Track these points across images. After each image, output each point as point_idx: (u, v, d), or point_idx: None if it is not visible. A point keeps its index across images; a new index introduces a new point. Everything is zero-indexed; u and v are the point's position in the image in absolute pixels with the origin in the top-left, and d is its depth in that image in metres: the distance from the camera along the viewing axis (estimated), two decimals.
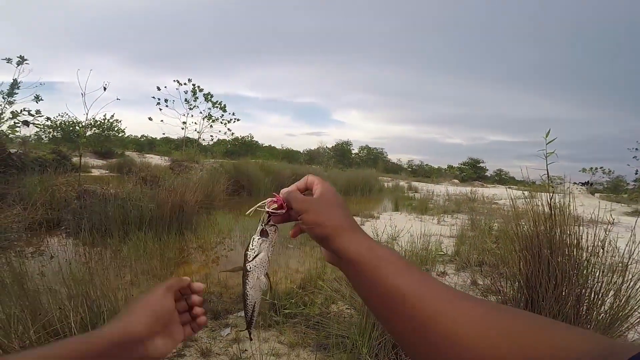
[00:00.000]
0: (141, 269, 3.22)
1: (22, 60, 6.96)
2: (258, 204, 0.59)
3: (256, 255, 0.59)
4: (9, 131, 7.21)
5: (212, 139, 15.78)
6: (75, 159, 9.22)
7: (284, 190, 0.57)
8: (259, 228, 0.59)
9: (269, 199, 0.58)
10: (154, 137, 31.41)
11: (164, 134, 15.65)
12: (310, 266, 3.41)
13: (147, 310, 0.53)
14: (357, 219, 6.93)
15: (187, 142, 14.51)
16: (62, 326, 1.44)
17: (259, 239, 0.59)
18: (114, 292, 1.85)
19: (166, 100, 13.84)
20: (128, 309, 0.53)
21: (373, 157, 37.32)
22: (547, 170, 2.11)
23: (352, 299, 2.30)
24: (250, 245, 0.59)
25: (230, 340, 2.12)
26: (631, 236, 2.04)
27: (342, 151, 36.66)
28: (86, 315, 1.53)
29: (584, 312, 2.02)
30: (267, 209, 0.57)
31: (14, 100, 7.03)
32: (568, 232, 2.08)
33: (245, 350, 2.01)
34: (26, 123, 7.35)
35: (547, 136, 1.98)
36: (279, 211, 0.57)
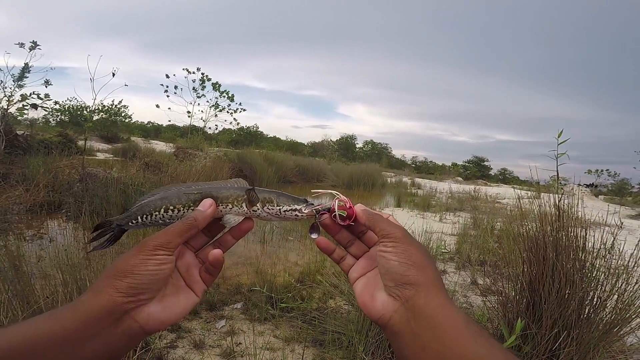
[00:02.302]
0: None
1: (34, 46, 7.07)
2: (330, 191, 0.53)
3: (277, 214, 0.51)
4: (18, 113, 7.33)
5: (216, 128, 15.78)
6: (80, 143, 9.24)
7: (361, 206, 0.50)
8: (312, 211, 0.50)
9: (343, 197, 0.50)
10: (160, 124, 31.72)
11: (169, 121, 15.64)
12: (309, 260, 3.39)
13: (119, 275, 0.40)
14: None
15: (192, 130, 14.51)
16: None
17: (298, 211, 0.50)
18: None
19: (175, 87, 13.82)
20: (103, 274, 0.41)
21: (377, 152, 37.25)
22: (557, 171, 2.05)
23: (350, 295, 2.27)
24: (290, 206, 0.51)
25: (224, 333, 2.10)
26: (639, 242, 1.99)
27: (346, 145, 36.60)
28: None
29: (584, 316, 1.99)
30: (335, 207, 0.49)
31: (24, 84, 7.14)
32: (574, 235, 2.04)
33: (240, 343, 1.99)
34: (34, 106, 7.45)
35: (559, 136, 1.92)
36: (342, 222, 0.49)
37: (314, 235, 0.51)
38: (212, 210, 0.48)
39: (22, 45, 6.98)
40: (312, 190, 0.55)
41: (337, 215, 0.48)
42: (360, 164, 16.45)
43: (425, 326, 0.37)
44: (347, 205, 0.49)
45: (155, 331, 0.42)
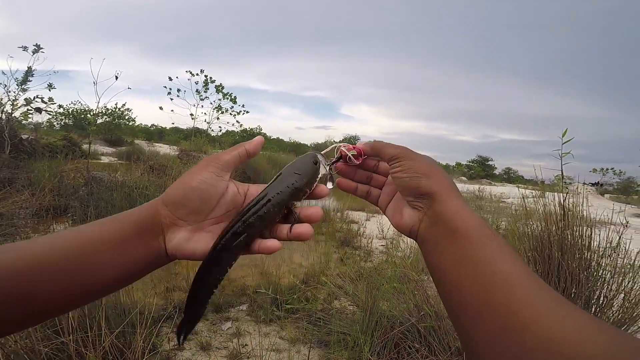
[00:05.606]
0: None
1: (37, 49, 7.05)
2: (333, 145, 0.53)
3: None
4: (22, 117, 7.36)
5: (220, 130, 15.84)
6: (85, 146, 9.30)
7: (362, 142, 0.51)
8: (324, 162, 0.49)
9: (344, 143, 0.51)
10: (163, 126, 31.86)
11: (173, 123, 15.76)
12: (314, 261, 3.39)
13: (179, 186, 0.40)
14: (363, 214, 6.89)
15: (196, 132, 14.57)
16: (61, 319, 1.43)
17: (330, 168, 0.50)
18: None
19: (178, 90, 13.88)
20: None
21: None
22: (562, 170, 2.05)
23: (355, 295, 2.27)
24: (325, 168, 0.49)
25: (230, 335, 2.11)
26: None
27: None
28: (85, 307, 1.52)
29: None
30: (345, 152, 0.50)
31: (28, 87, 7.14)
32: (579, 234, 2.03)
33: (246, 345, 2.00)
34: (39, 110, 7.48)
35: (563, 135, 1.92)
36: (355, 161, 0.50)
37: (330, 185, 0.51)
38: (260, 140, 0.50)
39: (25, 48, 6.96)
40: (322, 152, 0.54)
41: (350, 157, 0.50)
42: None
43: (444, 230, 0.39)
44: (352, 147, 0.51)
45: (174, 258, 0.41)
